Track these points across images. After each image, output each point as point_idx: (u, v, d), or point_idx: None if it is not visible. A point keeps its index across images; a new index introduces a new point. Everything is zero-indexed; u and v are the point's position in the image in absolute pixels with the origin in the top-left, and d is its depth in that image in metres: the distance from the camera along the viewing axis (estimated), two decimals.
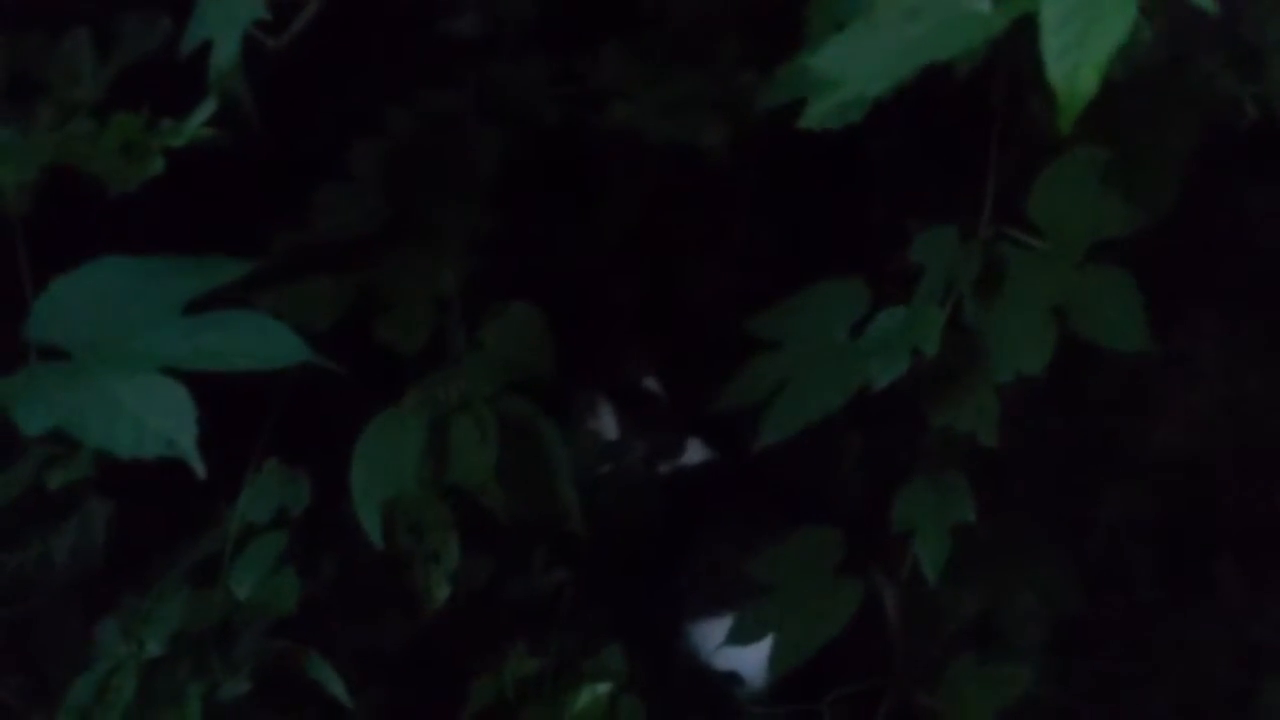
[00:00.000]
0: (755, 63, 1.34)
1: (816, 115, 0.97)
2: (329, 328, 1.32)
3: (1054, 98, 0.75)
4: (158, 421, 0.89)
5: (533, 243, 1.46)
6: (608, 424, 1.76)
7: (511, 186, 1.38)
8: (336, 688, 1.32)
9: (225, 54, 1.03)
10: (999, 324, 1.15)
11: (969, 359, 1.15)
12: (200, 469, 0.90)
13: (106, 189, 1.05)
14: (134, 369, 0.91)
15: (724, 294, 1.60)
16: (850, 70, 0.84)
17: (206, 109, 1.02)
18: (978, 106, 1.20)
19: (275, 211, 1.36)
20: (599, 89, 1.37)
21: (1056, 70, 0.73)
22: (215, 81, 1.04)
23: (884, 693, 1.31)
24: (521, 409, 1.36)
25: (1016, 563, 1.36)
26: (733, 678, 1.61)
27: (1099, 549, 1.49)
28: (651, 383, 1.78)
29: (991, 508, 1.21)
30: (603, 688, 1.40)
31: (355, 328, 1.36)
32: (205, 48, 1.06)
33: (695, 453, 1.78)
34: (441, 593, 1.34)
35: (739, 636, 1.38)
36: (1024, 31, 0.78)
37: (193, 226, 1.19)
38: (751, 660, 1.57)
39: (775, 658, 1.34)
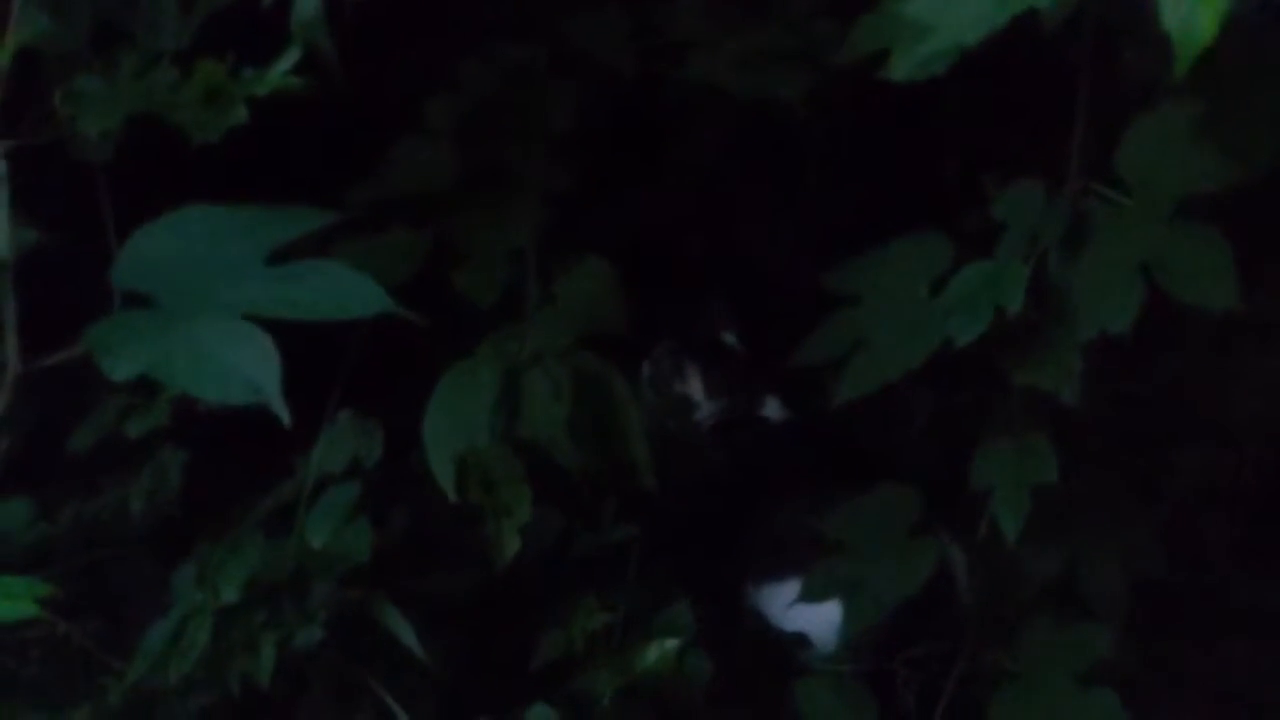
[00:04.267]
0: (831, 15, 1.32)
1: (902, 66, 0.95)
2: (404, 280, 1.32)
3: (1150, 48, 0.73)
4: (243, 367, 0.90)
5: (608, 197, 1.45)
6: (694, 384, 1.76)
7: (586, 140, 1.38)
8: (408, 637, 1.33)
9: (308, 3, 1.03)
10: (1084, 281, 1.13)
11: (1052, 316, 1.14)
12: (285, 415, 0.90)
13: (189, 138, 1.06)
14: (219, 316, 0.91)
15: (800, 249, 1.59)
16: (944, 17, 0.82)
17: (290, 57, 1.02)
18: (1056, 60, 1.18)
19: (352, 165, 1.36)
20: (675, 42, 1.36)
21: (1172, 15, 0.71)
22: (298, 31, 1.03)
23: (957, 654, 1.30)
24: (593, 364, 1.36)
25: (1095, 524, 1.35)
26: (800, 639, 1.61)
27: (1173, 514, 1.47)
28: (731, 338, 1.77)
29: (1070, 467, 1.19)
30: (671, 643, 1.40)
31: (429, 281, 1.36)
32: None
33: (773, 410, 1.77)
34: (512, 546, 1.34)
35: (811, 594, 1.37)
36: None
37: (269, 179, 1.20)
38: (819, 623, 1.57)
39: (849, 616, 1.33)
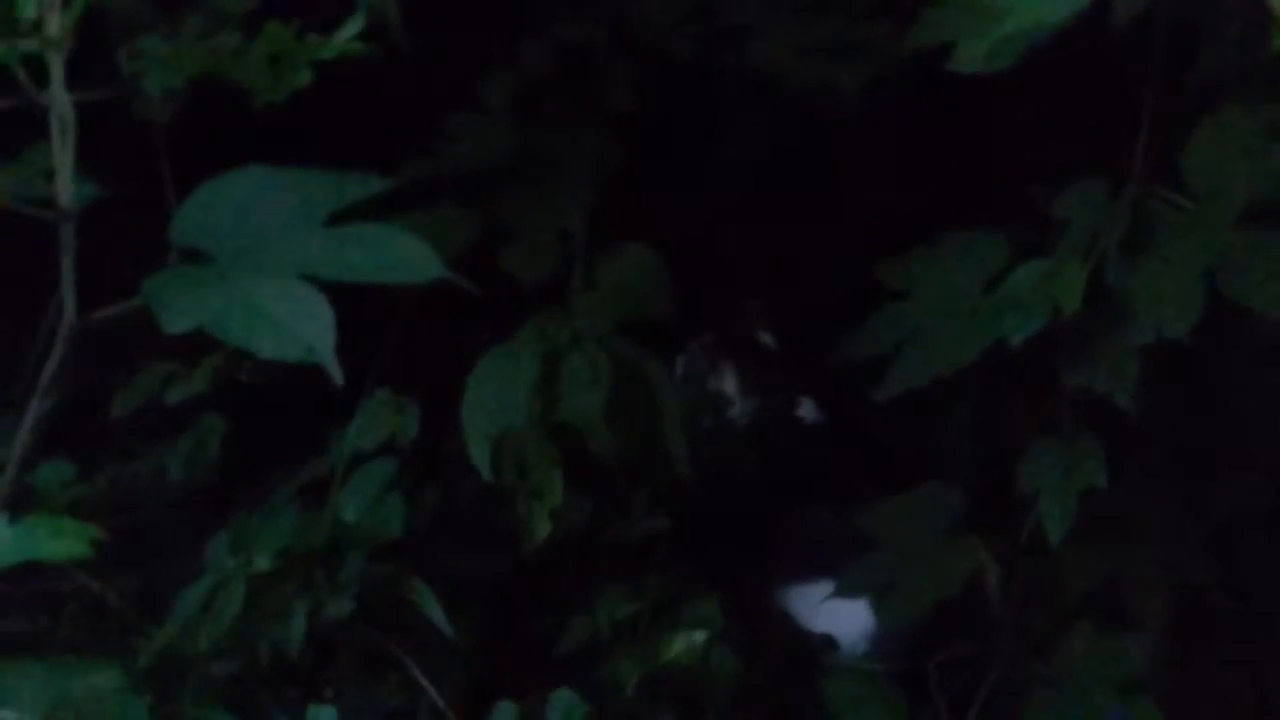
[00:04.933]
0: (889, 11, 1.32)
1: (968, 58, 0.94)
2: (451, 258, 1.33)
3: (1219, 48, 0.72)
4: (298, 326, 0.90)
5: (656, 182, 1.45)
6: (728, 381, 1.76)
7: (639, 123, 1.37)
8: (436, 614, 1.33)
9: None
10: (1144, 283, 1.12)
11: (1109, 318, 1.13)
12: (338, 375, 0.90)
13: (251, 100, 1.06)
14: (276, 275, 0.91)
15: (840, 250, 1.58)
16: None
17: (356, 23, 1.02)
18: (1120, 59, 1.17)
19: (406, 137, 1.37)
20: (731, 27, 1.36)
21: None
22: None
23: (991, 658, 1.29)
24: (633, 351, 1.36)
25: (1141, 533, 1.33)
26: (828, 640, 1.61)
27: (1219, 527, 1.46)
28: (766, 337, 1.77)
29: (1118, 473, 1.18)
30: (698, 635, 1.40)
31: (473, 262, 1.36)
32: None
33: (807, 410, 1.77)
34: (542, 530, 1.34)
35: (847, 590, 1.37)
36: None
37: (325, 148, 1.20)
38: (847, 626, 1.56)
39: (883, 615, 1.32)
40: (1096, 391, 1.14)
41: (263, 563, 1.32)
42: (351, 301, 0.98)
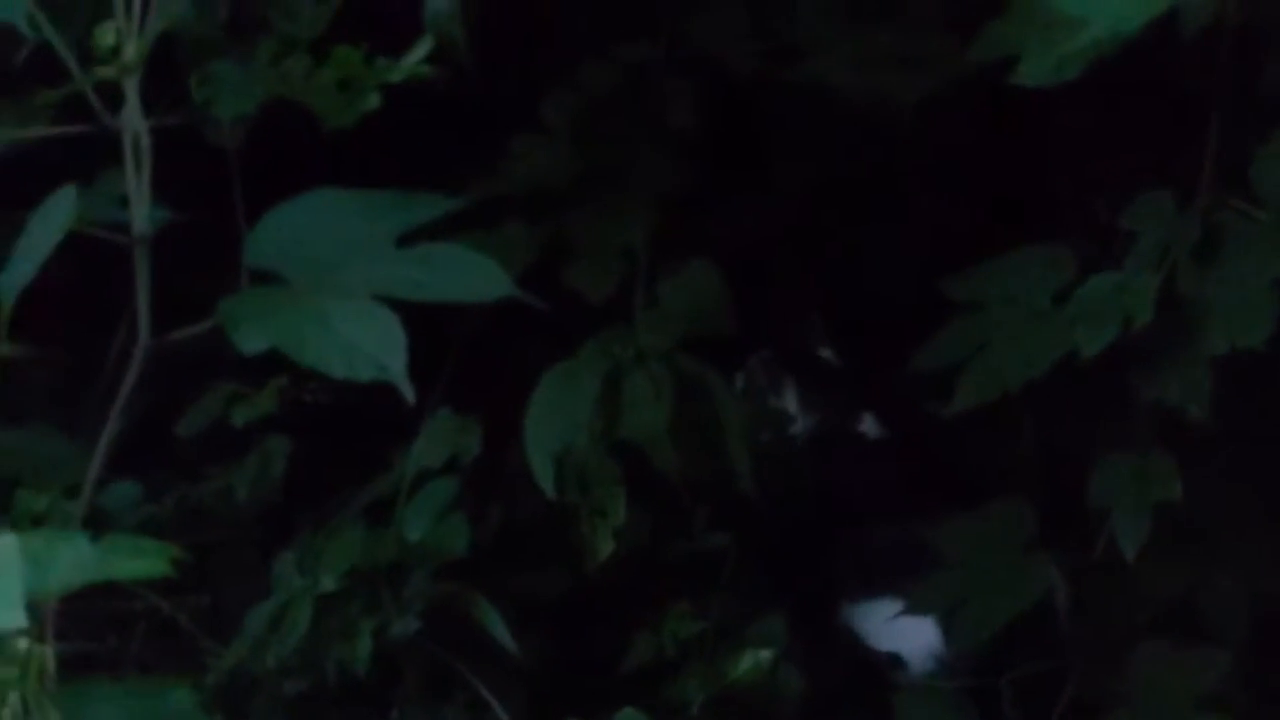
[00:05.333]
0: (949, 24, 1.32)
1: (1035, 69, 0.94)
2: (515, 277, 1.33)
3: None
4: (370, 346, 0.91)
5: (717, 199, 1.45)
6: (789, 397, 1.75)
7: (699, 140, 1.38)
8: (501, 632, 1.34)
9: None
10: (1216, 294, 1.11)
11: (1181, 330, 1.12)
12: (410, 393, 0.91)
13: (321, 124, 1.08)
14: (348, 295, 0.93)
15: (900, 266, 1.58)
16: (1096, 7, 0.80)
17: (423, 46, 1.03)
18: (1186, 69, 1.16)
19: (470, 158, 1.38)
20: (790, 42, 1.36)
21: None
22: (432, 21, 1.05)
23: (1066, 675, 1.28)
24: (695, 367, 1.36)
25: (1218, 545, 1.32)
26: (895, 659, 1.59)
27: None
28: (827, 353, 1.76)
29: (1192, 485, 1.17)
30: (765, 654, 1.39)
31: (535, 282, 1.37)
32: None
33: (870, 426, 1.76)
34: (606, 548, 1.34)
35: (916, 607, 1.36)
36: None
37: (390, 170, 1.21)
38: (913, 644, 1.55)
39: (953, 633, 1.31)
40: (1170, 403, 1.13)
41: (329, 582, 1.33)
42: (415, 320, 0.99)
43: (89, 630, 1.37)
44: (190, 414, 1.47)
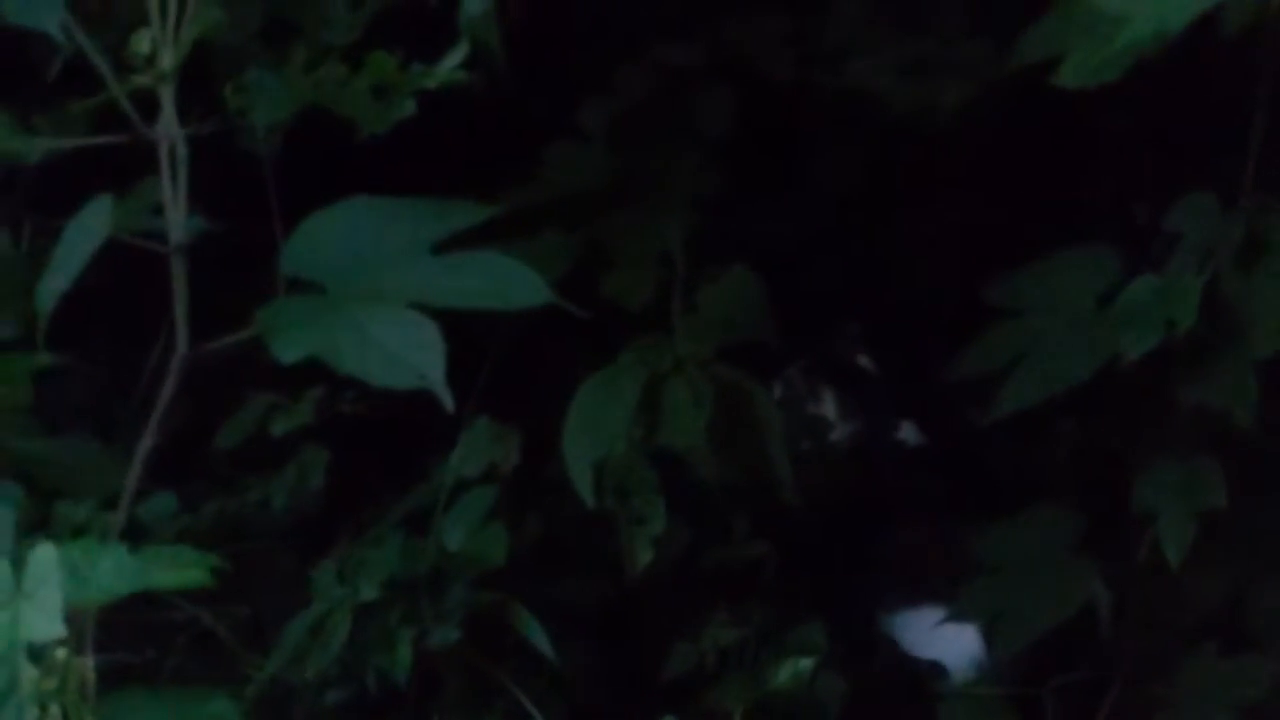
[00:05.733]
0: (987, 29, 1.31)
1: (1077, 70, 0.92)
2: (553, 283, 1.33)
3: None
4: (410, 355, 0.90)
5: (755, 205, 1.44)
6: (827, 405, 1.74)
7: (738, 146, 1.37)
8: (541, 640, 1.33)
9: (477, 0, 1.03)
10: (1260, 297, 1.09)
11: (1225, 334, 1.10)
12: (449, 402, 0.90)
13: (356, 132, 1.07)
14: (386, 303, 0.92)
15: (944, 269, 1.56)
16: (1139, 5, 0.79)
17: (459, 53, 1.03)
18: (1228, 72, 1.14)
19: (506, 164, 1.37)
20: (831, 49, 1.35)
21: None
22: (466, 27, 1.04)
23: (1109, 682, 1.26)
24: (734, 375, 1.35)
25: (1263, 551, 1.29)
26: (936, 667, 1.58)
27: None
28: (865, 360, 1.75)
29: (1237, 490, 1.15)
30: (805, 662, 1.38)
31: (572, 290, 1.36)
32: None
33: (908, 434, 1.75)
34: (645, 556, 1.33)
35: (958, 615, 1.34)
36: None
37: (426, 177, 1.21)
38: (954, 652, 1.54)
39: (996, 640, 1.30)
40: (1214, 408, 1.11)
41: (368, 592, 1.33)
42: (452, 329, 0.98)
43: (128, 641, 1.37)
44: (228, 427, 1.48)
